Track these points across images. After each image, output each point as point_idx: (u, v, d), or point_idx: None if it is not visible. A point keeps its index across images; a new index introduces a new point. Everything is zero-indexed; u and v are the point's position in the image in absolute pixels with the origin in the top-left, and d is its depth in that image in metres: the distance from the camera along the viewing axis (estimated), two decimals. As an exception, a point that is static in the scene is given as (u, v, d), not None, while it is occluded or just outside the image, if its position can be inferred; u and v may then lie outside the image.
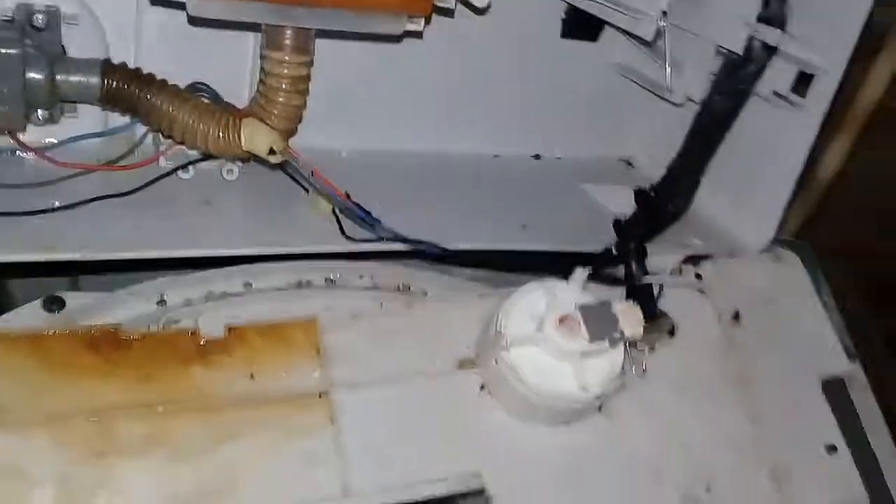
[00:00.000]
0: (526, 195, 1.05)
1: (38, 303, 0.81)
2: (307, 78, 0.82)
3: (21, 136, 0.83)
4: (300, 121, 0.84)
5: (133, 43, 0.85)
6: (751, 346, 0.94)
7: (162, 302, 0.82)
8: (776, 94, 0.93)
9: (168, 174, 0.86)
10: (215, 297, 0.84)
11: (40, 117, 0.81)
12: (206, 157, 0.86)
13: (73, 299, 0.81)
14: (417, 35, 0.81)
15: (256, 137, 0.79)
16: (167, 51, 0.87)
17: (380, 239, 0.83)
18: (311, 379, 0.78)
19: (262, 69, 0.81)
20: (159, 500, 0.69)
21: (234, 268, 0.86)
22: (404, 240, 0.82)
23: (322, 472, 0.74)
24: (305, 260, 0.85)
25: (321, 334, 0.81)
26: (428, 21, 0.84)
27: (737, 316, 0.95)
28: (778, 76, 0.94)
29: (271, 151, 0.79)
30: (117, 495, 0.68)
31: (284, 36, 0.78)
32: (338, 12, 0.74)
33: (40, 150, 0.82)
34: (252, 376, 0.77)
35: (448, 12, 0.82)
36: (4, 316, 0.79)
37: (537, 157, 1.14)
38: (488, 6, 0.81)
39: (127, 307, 0.81)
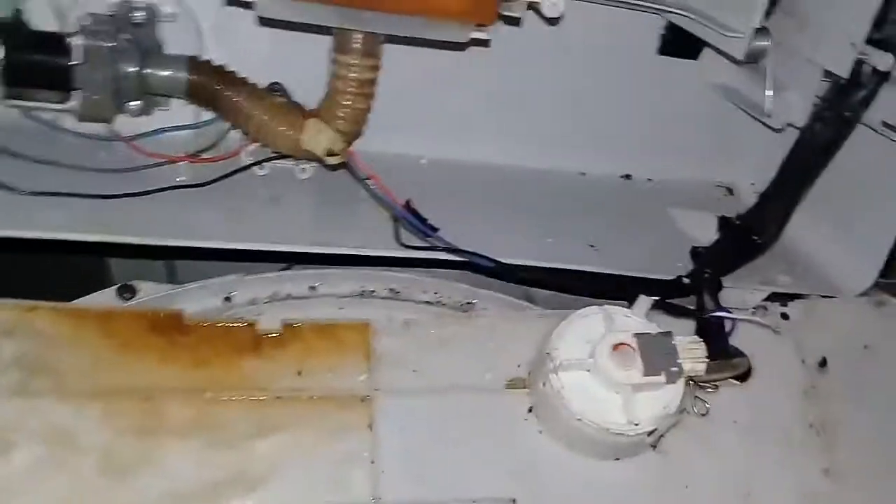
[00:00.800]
0: (605, 216, 1.01)
1: (112, 290, 0.86)
2: (374, 82, 0.83)
3: (114, 125, 0.88)
4: (365, 124, 0.85)
5: (225, 42, 0.89)
6: (836, 395, 0.86)
7: (229, 298, 0.85)
8: (886, 124, 0.85)
9: (242, 169, 0.89)
10: (279, 298, 0.87)
11: (133, 108, 0.86)
12: (283, 155, 0.88)
13: (145, 289, 0.86)
14: (484, 43, 0.79)
15: (317, 137, 0.81)
16: (254, 51, 0.90)
17: (433, 248, 0.82)
18: (357, 382, 0.79)
19: (330, 72, 0.83)
20: (195, 481, 0.71)
21: (301, 271, 0.88)
22: (457, 250, 0.81)
23: (354, 476, 0.74)
24: (361, 265, 0.86)
25: (373, 339, 0.81)
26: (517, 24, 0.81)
27: (824, 362, 0.87)
28: (889, 105, 0.85)
29: (331, 153, 0.80)
30: (156, 471, 0.71)
31: (352, 40, 0.79)
32: (403, 18, 0.74)
33: (130, 139, 0.87)
34: (300, 373, 0.78)
35: (514, 21, 0.80)
36: (81, 300, 0.84)
37: (627, 177, 1.09)
38: (560, 17, 0.78)
39: (195, 300, 0.85)
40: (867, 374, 0.87)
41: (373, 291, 0.88)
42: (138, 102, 0.86)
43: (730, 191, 1.13)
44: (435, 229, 0.81)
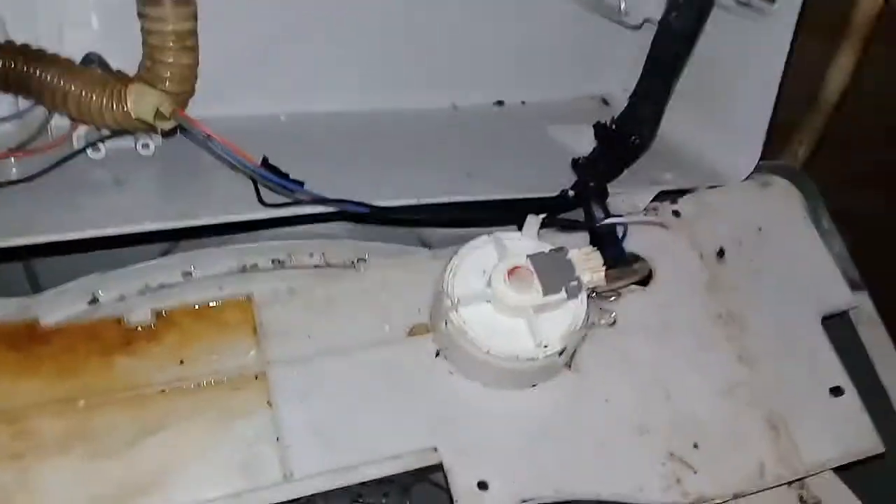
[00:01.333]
0: (481, 145, 0.96)
1: None
2: (193, 32, 0.75)
3: None
4: (195, 80, 0.77)
5: (27, 18, 0.79)
6: (739, 284, 0.85)
7: (94, 300, 0.76)
8: (739, 2, 0.83)
9: (73, 155, 0.80)
10: (152, 289, 0.78)
11: None
12: (118, 132, 0.80)
13: None
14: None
15: (143, 101, 0.72)
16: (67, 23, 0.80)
17: (299, 202, 0.76)
18: (247, 359, 0.73)
19: (142, 29, 0.74)
20: (82, 499, 0.64)
21: (170, 257, 0.80)
22: (324, 200, 0.74)
23: (260, 459, 0.68)
24: (228, 235, 0.79)
25: (257, 312, 0.75)
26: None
27: (721, 253, 0.86)
28: (741, -19, 0.84)
29: (161, 116, 0.73)
30: (34, 497, 0.64)
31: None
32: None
33: None
34: (182, 362, 0.72)
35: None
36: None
37: (500, 103, 1.05)
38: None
39: (56, 309, 0.75)
40: (764, 256, 0.87)
41: (255, 265, 0.81)
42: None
43: (605, 101, 1.11)
44: (300, 183, 0.75)
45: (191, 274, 0.80)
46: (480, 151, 0.94)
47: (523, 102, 1.07)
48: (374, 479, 0.70)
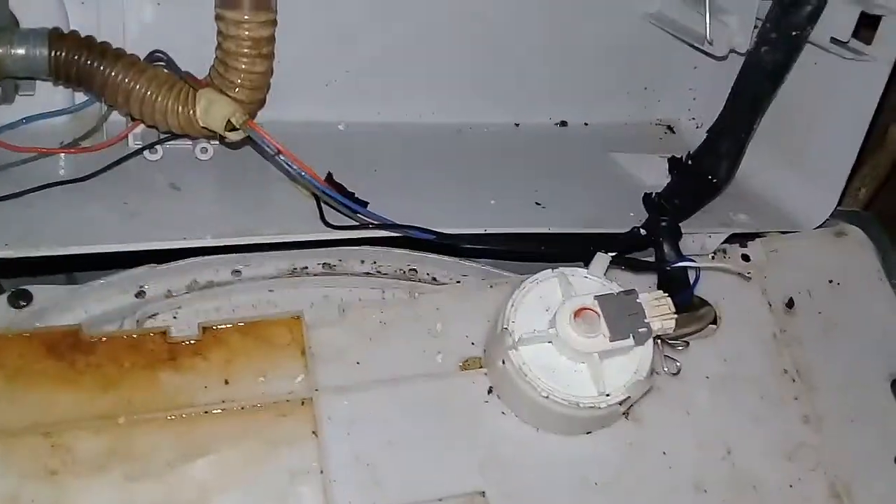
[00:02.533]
0: (546, 169, 0.93)
1: (2, 298, 0.74)
2: (271, 40, 0.71)
3: None
4: (267, 90, 0.74)
5: (93, 9, 0.76)
6: (807, 338, 0.81)
7: (141, 293, 0.74)
8: (835, 41, 0.79)
9: (130, 156, 0.77)
10: (200, 287, 0.76)
11: None
12: (178, 135, 0.77)
13: (42, 293, 0.74)
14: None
15: (212, 109, 0.69)
16: (129, 16, 0.77)
17: (364, 226, 0.73)
18: (294, 384, 0.70)
19: (218, 32, 0.71)
20: (116, 522, 0.62)
21: (221, 256, 0.78)
22: (392, 226, 0.71)
23: (303, 491, 0.65)
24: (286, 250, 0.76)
25: (307, 332, 0.72)
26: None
27: (791, 303, 0.82)
28: (837, 20, 0.80)
29: (231, 127, 0.69)
30: (70, 518, 0.61)
31: (239, -9, 0.68)
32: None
33: None
34: (227, 382, 0.69)
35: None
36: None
37: (563, 124, 1.02)
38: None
39: (101, 301, 0.73)
40: (835, 311, 0.83)
41: (305, 268, 0.78)
42: (-4, 89, 0.73)
43: (671, 129, 1.07)
44: (364, 203, 0.72)
45: (240, 272, 0.77)
46: (545, 176, 0.91)
47: (586, 124, 1.03)
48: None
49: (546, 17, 0.96)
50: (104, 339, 0.68)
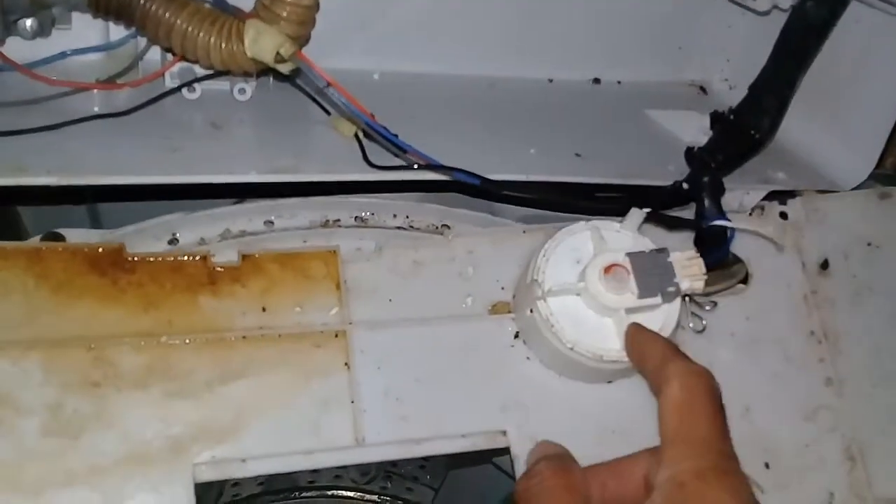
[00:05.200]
0: (582, 123, 0.92)
1: (35, 240, 0.75)
2: (319, -27, 0.71)
3: (6, 51, 0.74)
4: (313, 25, 0.73)
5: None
6: (839, 301, 0.81)
7: (174, 241, 0.76)
8: (883, -4, 0.76)
9: (170, 92, 0.77)
10: (232, 236, 0.77)
11: (28, 28, 0.72)
12: (216, 74, 0.77)
13: (75, 236, 0.76)
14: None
15: (261, 41, 0.68)
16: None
17: (409, 167, 0.73)
18: (329, 316, 0.72)
19: (264, -38, 0.70)
20: (155, 437, 0.65)
21: (254, 204, 0.79)
22: (438, 167, 0.71)
23: (333, 419, 0.68)
24: (328, 196, 0.76)
25: (342, 266, 0.74)
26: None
27: (825, 264, 0.82)
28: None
29: (279, 58, 0.69)
30: (110, 428, 0.64)
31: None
32: None
33: (27, 67, 0.74)
34: (264, 309, 0.71)
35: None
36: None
37: (597, 81, 1.00)
38: None
39: (133, 245, 0.74)
40: (870, 275, 0.82)
41: (337, 221, 0.79)
42: (32, 20, 0.72)
43: (703, 89, 1.06)
44: (407, 145, 0.72)
45: (272, 223, 0.79)
46: (582, 129, 0.90)
47: (619, 82, 1.02)
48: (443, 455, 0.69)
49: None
50: (147, 259, 0.71)
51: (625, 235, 0.71)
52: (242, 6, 0.74)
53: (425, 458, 0.73)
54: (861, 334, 0.80)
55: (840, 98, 0.88)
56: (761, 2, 0.84)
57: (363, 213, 0.78)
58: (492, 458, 0.74)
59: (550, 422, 0.71)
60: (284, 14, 0.71)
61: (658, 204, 0.75)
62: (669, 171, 0.82)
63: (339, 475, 0.82)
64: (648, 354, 0.64)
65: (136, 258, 0.70)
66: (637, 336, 0.66)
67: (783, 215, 0.84)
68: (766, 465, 0.74)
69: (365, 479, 0.81)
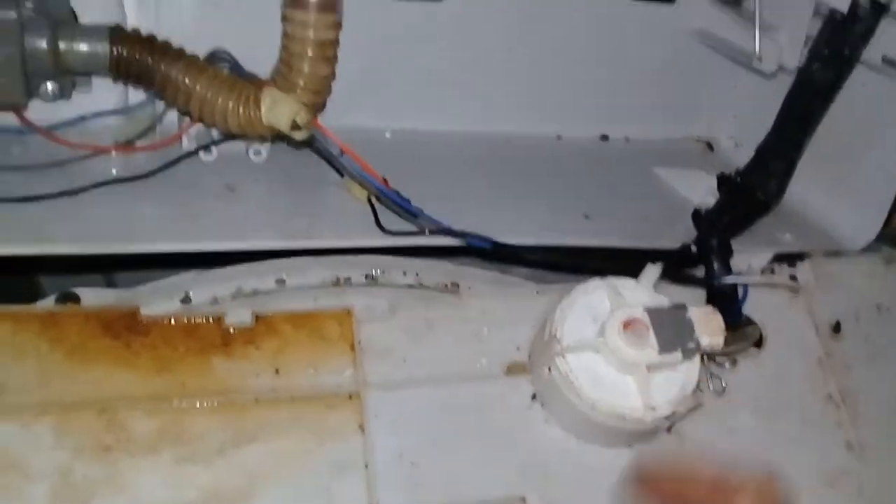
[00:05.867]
0: (591, 182, 0.93)
1: (51, 300, 0.74)
2: (335, 43, 0.72)
3: (26, 114, 0.76)
4: (329, 93, 0.75)
5: (153, 7, 0.78)
6: (854, 362, 0.81)
7: (186, 299, 0.75)
8: (887, 60, 0.78)
9: (187, 156, 0.78)
10: (245, 295, 0.77)
11: (49, 92, 0.73)
12: (232, 136, 0.78)
13: (90, 296, 0.75)
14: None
15: (278, 108, 0.70)
16: (188, 15, 0.79)
17: (421, 232, 0.74)
18: (343, 377, 0.71)
19: (284, 33, 0.72)
20: (165, 501, 0.63)
21: (266, 263, 0.78)
22: (450, 232, 0.72)
23: (347, 485, 0.66)
24: (339, 255, 0.77)
25: (357, 326, 0.73)
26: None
27: (837, 327, 0.82)
28: (889, 40, 0.79)
29: (295, 126, 0.70)
30: (121, 494, 0.62)
31: (307, -9, 0.69)
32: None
33: (48, 129, 0.75)
34: (277, 371, 0.70)
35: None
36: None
37: (605, 138, 1.03)
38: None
39: (148, 305, 0.74)
40: (883, 337, 0.83)
41: (348, 279, 0.79)
42: (53, 84, 0.73)
43: (709, 146, 1.08)
44: (417, 210, 0.73)
45: (284, 282, 0.78)
46: (590, 188, 0.91)
47: (627, 139, 1.04)
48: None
49: (590, 33, 0.96)
50: (160, 321, 0.70)
51: (641, 292, 0.71)
52: (260, 73, 0.76)
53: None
54: (878, 397, 0.79)
55: (846, 160, 0.89)
56: (767, 64, 0.86)
57: (373, 271, 0.77)
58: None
59: (570, 488, 0.70)
60: (301, 83, 0.72)
61: (668, 266, 0.75)
62: (677, 233, 0.83)
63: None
64: (691, 486, 0.61)
65: (149, 320, 0.70)
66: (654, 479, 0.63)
67: (793, 278, 0.84)
68: (793, 531, 0.72)
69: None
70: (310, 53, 0.71)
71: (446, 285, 0.81)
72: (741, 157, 0.93)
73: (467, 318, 0.76)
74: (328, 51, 0.72)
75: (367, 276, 0.79)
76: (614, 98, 1.01)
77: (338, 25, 0.71)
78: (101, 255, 0.70)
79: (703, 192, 0.91)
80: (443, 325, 0.75)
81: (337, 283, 0.77)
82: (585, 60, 0.97)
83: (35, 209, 0.71)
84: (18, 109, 0.75)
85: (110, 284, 0.92)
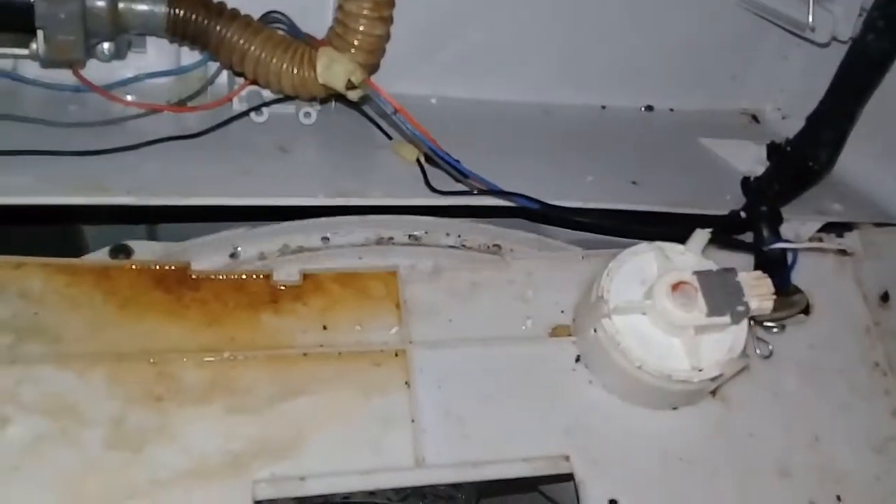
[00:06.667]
0: (636, 150, 0.93)
1: (104, 251, 0.76)
2: (391, 3, 0.72)
3: (84, 73, 0.77)
4: (383, 54, 0.75)
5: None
6: (901, 332, 0.80)
7: (235, 254, 0.76)
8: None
9: (239, 116, 0.79)
10: (291, 251, 0.78)
11: (106, 51, 0.75)
12: (282, 98, 0.78)
13: (141, 249, 0.76)
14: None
15: (333, 68, 0.70)
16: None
17: (470, 192, 0.74)
18: (389, 335, 0.71)
19: (339, -7, 0.73)
20: (215, 452, 0.64)
21: (312, 221, 0.79)
22: (499, 192, 0.72)
23: (394, 438, 0.67)
24: (387, 214, 0.77)
25: (401, 287, 0.74)
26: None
27: (886, 297, 0.81)
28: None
29: (350, 85, 0.71)
30: (171, 442, 0.63)
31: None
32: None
33: (104, 88, 0.77)
34: (325, 327, 0.71)
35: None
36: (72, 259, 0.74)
37: (650, 108, 1.02)
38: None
39: (197, 259, 0.75)
40: (932, 308, 0.81)
41: (391, 238, 0.79)
42: (111, 44, 0.75)
43: (755, 118, 1.06)
44: (467, 170, 0.73)
45: (328, 239, 0.79)
46: (636, 156, 0.91)
47: (672, 110, 1.03)
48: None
49: (635, 2, 0.95)
50: (211, 276, 0.71)
51: (689, 257, 0.71)
52: (315, 34, 0.77)
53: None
54: (927, 366, 0.78)
55: (896, 129, 0.88)
56: (820, 33, 0.85)
57: (417, 232, 0.78)
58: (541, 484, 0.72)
59: (614, 448, 0.70)
60: (356, 43, 0.72)
61: (716, 232, 0.75)
62: (725, 201, 0.82)
63: (374, 492, 0.80)
64: None
65: (200, 276, 0.71)
66: None
67: (841, 249, 0.83)
68: (839, 498, 0.71)
69: (399, 495, 0.79)
70: (365, 13, 0.71)
71: (489, 246, 0.81)
72: (787, 129, 0.91)
73: (512, 281, 0.76)
74: (384, 11, 0.72)
75: (410, 237, 0.80)
76: (659, 69, 1.01)
77: (394, -14, 0.71)
78: (151, 207, 0.71)
79: (750, 161, 0.90)
80: (487, 287, 0.75)
81: (381, 241, 0.78)
82: (630, 31, 0.97)
83: (92, 163, 0.72)
84: (76, 67, 0.76)
85: (152, 237, 0.93)
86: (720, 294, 0.68)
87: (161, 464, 0.62)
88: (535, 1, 0.92)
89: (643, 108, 1.03)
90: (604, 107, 1.01)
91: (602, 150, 0.92)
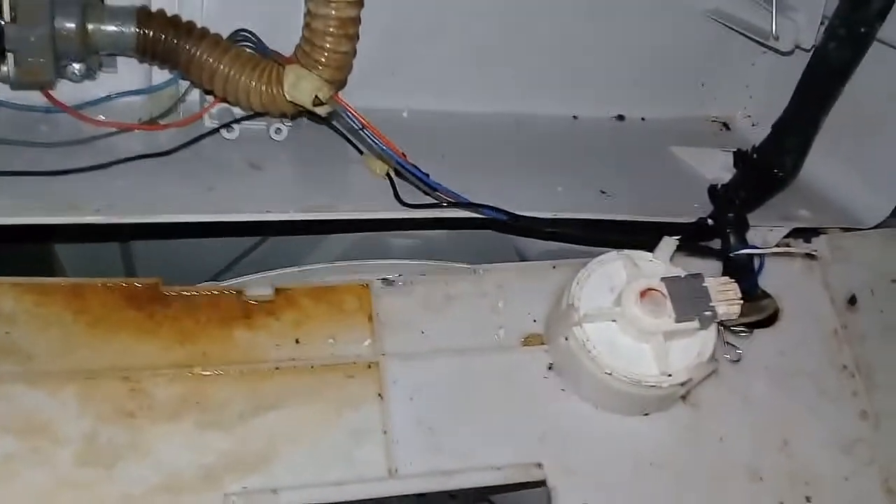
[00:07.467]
0: (607, 160, 0.94)
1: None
2: (356, 21, 0.73)
3: (55, 92, 0.77)
4: (350, 70, 0.76)
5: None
6: (869, 335, 0.81)
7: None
8: (902, 37, 0.79)
9: (210, 133, 0.79)
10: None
11: (77, 72, 0.75)
12: (253, 115, 0.79)
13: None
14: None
15: (301, 85, 0.71)
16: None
17: (440, 205, 0.75)
18: (361, 347, 0.72)
19: (306, 11, 0.73)
20: (187, 468, 0.64)
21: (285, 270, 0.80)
22: (467, 205, 0.73)
23: (366, 450, 0.67)
24: (359, 231, 0.78)
25: (374, 300, 0.74)
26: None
27: (853, 300, 0.82)
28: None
29: (317, 102, 0.71)
30: (143, 458, 0.63)
31: (329, -29, 0.69)
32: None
33: (75, 108, 0.77)
34: (298, 341, 0.71)
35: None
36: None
37: (620, 118, 1.03)
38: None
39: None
40: (897, 310, 0.83)
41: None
42: (81, 64, 0.75)
43: (726, 125, 1.08)
44: (437, 184, 0.73)
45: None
46: (607, 166, 0.92)
47: (643, 119, 1.04)
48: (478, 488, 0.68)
49: (604, 13, 0.96)
50: (183, 293, 0.71)
51: (657, 264, 0.72)
52: (283, 51, 0.77)
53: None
54: (893, 368, 0.80)
55: (862, 136, 0.89)
56: (784, 42, 0.86)
57: (390, 276, 0.77)
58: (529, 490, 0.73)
59: (587, 454, 0.71)
60: (323, 60, 0.73)
61: (684, 239, 0.76)
62: (694, 208, 0.83)
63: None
64: None
65: (172, 293, 0.71)
66: None
67: (808, 253, 0.85)
68: (808, 500, 0.72)
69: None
70: (331, 30, 0.71)
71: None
72: (757, 135, 0.91)
73: (484, 293, 0.77)
74: (349, 28, 0.72)
75: (383, 280, 0.78)
76: (629, 78, 1.01)
77: (360, 4, 0.72)
78: (124, 225, 0.71)
79: (718, 168, 0.91)
80: (459, 298, 0.76)
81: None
82: (599, 41, 0.97)
83: (63, 182, 0.72)
84: (46, 89, 0.77)
85: (125, 255, 0.93)
86: (688, 300, 0.69)
87: (133, 479, 0.63)
88: (504, 12, 0.92)
89: (615, 118, 1.04)
90: (575, 117, 1.02)
91: (573, 161, 0.93)
